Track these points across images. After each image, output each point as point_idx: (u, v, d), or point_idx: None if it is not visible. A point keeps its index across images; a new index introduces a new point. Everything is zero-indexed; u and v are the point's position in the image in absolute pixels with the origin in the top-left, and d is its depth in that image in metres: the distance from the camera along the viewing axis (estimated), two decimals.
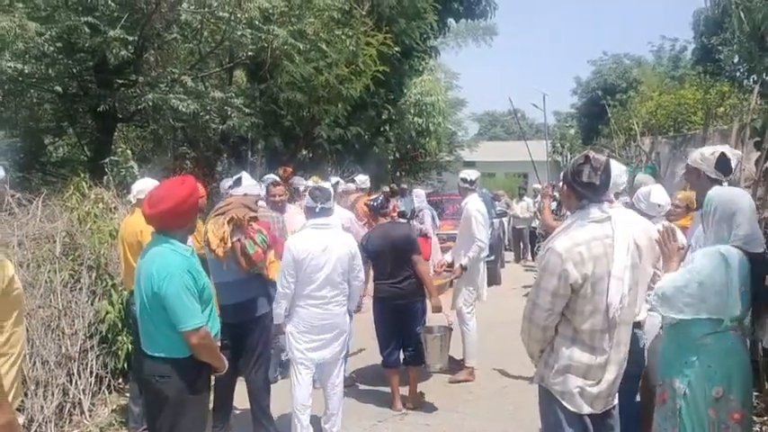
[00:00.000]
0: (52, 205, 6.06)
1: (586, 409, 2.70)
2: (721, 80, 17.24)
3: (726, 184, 3.13)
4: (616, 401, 2.82)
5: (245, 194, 4.71)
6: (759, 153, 4.59)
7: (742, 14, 5.79)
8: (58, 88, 8.82)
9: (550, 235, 2.86)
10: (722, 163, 3.17)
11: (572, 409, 2.69)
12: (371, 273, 5.33)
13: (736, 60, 14.01)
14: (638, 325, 3.39)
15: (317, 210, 4.31)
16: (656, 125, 14.21)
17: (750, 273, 2.75)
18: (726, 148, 3.26)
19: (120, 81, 8.86)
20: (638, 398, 3.61)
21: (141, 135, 12.95)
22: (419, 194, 10.14)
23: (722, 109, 13.78)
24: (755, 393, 4.73)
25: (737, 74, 19.09)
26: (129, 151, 7.60)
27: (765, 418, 4.56)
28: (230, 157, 12.78)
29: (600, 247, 2.64)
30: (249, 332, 4.39)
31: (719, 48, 18.04)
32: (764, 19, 5.45)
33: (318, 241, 4.26)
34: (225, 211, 4.37)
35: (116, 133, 10.22)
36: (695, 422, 2.79)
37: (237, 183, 4.82)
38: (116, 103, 8.47)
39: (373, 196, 5.85)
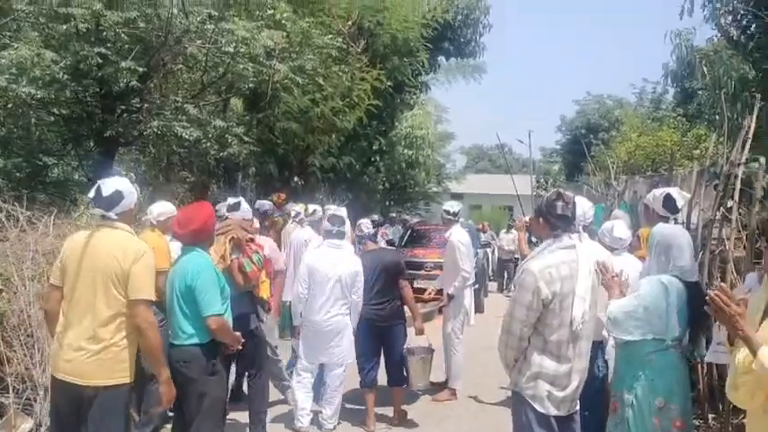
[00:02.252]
0: (60, 224, 6.41)
1: (553, 411, 3.10)
2: (700, 123, 17.94)
3: (673, 221, 3.60)
4: (578, 406, 3.23)
5: (243, 218, 5.18)
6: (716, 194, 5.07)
7: (705, 69, 6.35)
8: (65, 112, 9.26)
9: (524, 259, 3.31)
10: (668, 202, 3.66)
11: (541, 410, 3.09)
12: None
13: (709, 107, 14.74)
14: (599, 344, 3.82)
15: (334, 232, 5.19)
16: (634, 165, 14.78)
17: (687, 299, 3.19)
18: (673, 190, 3.75)
19: (124, 107, 9.30)
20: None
21: (135, 158, 13.35)
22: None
23: (698, 151, 14.38)
24: (712, 415, 5.16)
25: (717, 117, 19.89)
26: (132, 175, 7.98)
27: None
28: (222, 182, 13.17)
29: (566, 270, 3.08)
30: (244, 344, 4.76)
31: (699, 92, 18.83)
32: (725, 72, 6.00)
33: (330, 257, 5.09)
34: (225, 232, 4.81)
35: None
36: (641, 429, 3.20)
37: (236, 207, 5.27)
38: (120, 128, 8.88)
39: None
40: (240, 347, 3.96)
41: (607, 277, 3.48)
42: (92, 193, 3.28)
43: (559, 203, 3.11)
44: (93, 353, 3.07)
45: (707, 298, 2.38)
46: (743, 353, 2.44)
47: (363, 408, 5.53)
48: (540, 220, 3.19)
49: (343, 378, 5.20)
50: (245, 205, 5.38)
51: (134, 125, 9.05)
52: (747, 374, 2.43)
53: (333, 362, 5.13)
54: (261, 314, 5.33)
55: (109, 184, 3.22)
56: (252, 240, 4.99)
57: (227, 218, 5.31)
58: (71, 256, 3.22)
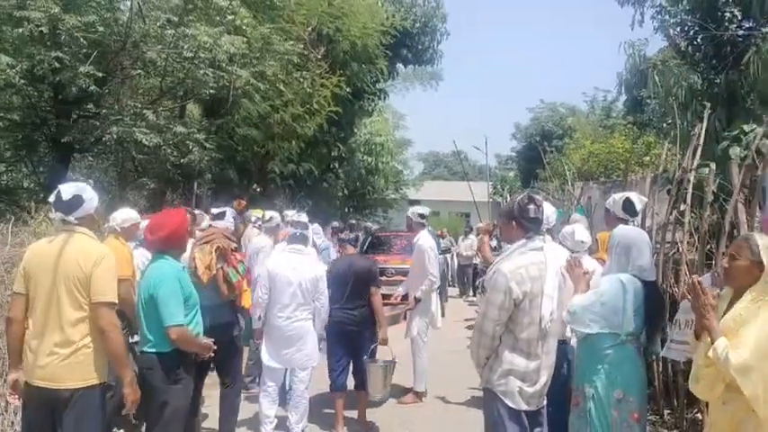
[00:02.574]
0: (17, 231, 6.25)
1: (524, 406, 3.21)
2: (649, 130, 18.62)
3: (632, 223, 3.78)
4: (545, 402, 3.35)
5: (227, 228, 5.17)
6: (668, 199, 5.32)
7: (657, 78, 6.65)
8: (17, 117, 9.02)
9: (490, 265, 3.41)
10: (627, 206, 3.85)
11: (512, 406, 3.20)
12: None
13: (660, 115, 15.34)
14: (564, 342, 3.96)
15: (298, 235, 5.20)
16: (588, 171, 15.24)
17: (644, 297, 3.37)
18: (632, 194, 3.94)
19: (80, 113, 9.10)
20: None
21: (89, 165, 13.05)
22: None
23: (648, 158, 14.93)
24: (667, 411, 5.39)
25: (664, 125, 20.67)
26: (91, 181, 7.82)
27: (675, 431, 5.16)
28: (182, 189, 12.98)
29: (536, 270, 3.20)
30: (223, 352, 4.71)
31: (648, 101, 19.53)
32: (675, 82, 6.30)
33: (291, 261, 5.05)
34: (210, 241, 4.78)
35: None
36: (602, 421, 3.38)
37: (221, 216, 5.24)
38: (77, 134, 8.69)
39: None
40: (212, 354, 3.89)
41: (576, 272, 3.61)
42: (52, 198, 3.28)
43: (531, 207, 3.23)
44: (64, 356, 3.10)
45: (691, 280, 2.54)
46: (705, 346, 2.61)
47: (333, 412, 5.55)
48: (513, 223, 3.29)
49: (308, 382, 5.17)
50: (229, 215, 5.36)
51: (91, 131, 8.87)
52: (709, 368, 2.59)
53: (297, 366, 5.09)
54: (241, 323, 5.33)
55: (69, 189, 3.22)
56: (236, 249, 5.02)
57: (210, 226, 5.31)
58: (34, 263, 3.22)
